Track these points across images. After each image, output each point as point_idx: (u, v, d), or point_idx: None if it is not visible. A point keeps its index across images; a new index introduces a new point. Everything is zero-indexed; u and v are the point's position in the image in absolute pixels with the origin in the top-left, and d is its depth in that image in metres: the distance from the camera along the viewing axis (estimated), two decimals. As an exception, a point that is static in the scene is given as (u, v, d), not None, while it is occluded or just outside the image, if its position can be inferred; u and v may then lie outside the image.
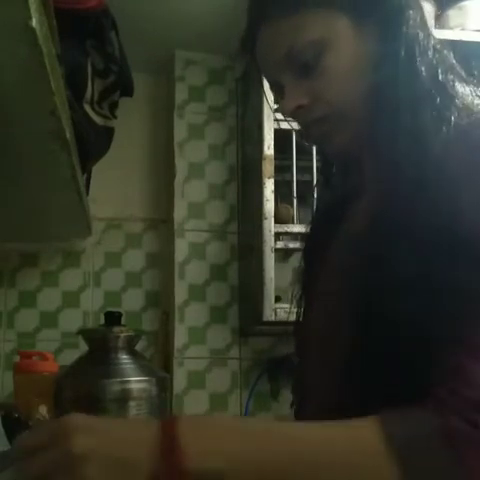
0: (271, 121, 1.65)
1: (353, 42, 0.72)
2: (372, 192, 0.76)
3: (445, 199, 0.62)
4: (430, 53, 0.72)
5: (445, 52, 0.74)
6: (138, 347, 1.33)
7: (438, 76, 0.71)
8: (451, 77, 0.72)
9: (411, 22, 0.72)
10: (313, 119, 0.75)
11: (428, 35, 0.73)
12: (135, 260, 1.95)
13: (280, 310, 1.58)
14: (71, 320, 1.86)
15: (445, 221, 0.61)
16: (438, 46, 0.74)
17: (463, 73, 0.74)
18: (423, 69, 0.71)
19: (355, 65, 0.72)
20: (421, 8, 0.75)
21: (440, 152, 0.65)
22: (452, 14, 1.69)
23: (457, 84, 0.72)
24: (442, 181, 0.63)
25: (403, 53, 0.71)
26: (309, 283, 0.84)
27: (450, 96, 0.70)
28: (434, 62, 0.72)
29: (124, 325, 1.32)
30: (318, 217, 0.93)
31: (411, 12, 0.73)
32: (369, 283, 0.65)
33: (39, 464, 0.53)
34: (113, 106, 1.52)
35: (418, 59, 0.71)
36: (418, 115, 0.68)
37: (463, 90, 0.72)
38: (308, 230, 0.94)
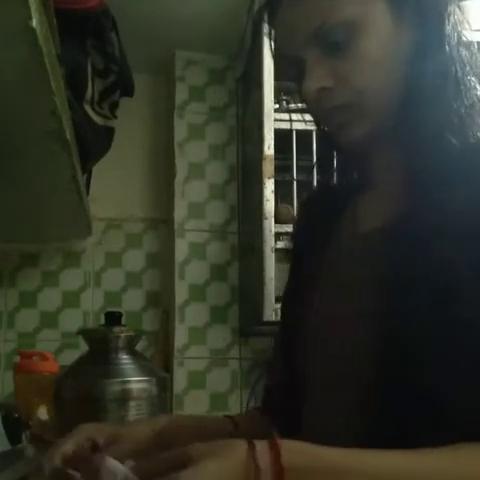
0: (271, 121, 1.64)
1: (389, 29, 0.69)
2: (383, 190, 0.75)
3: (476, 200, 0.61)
4: (464, 51, 0.70)
5: (474, 50, 0.72)
6: (138, 347, 1.33)
7: (468, 76, 0.70)
8: (475, 78, 0.71)
9: (452, 17, 0.70)
10: (335, 105, 0.71)
11: (463, 32, 0.71)
12: (135, 260, 1.95)
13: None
14: (71, 320, 1.86)
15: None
16: (469, 44, 0.72)
17: None
18: (460, 68, 0.69)
19: (388, 54, 0.69)
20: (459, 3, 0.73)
21: (476, 152, 0.65)
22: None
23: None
24: (474, 182, 0.63)
25: (444, 50, 0.68)
26: (306, 282, 0.81)
27: (478, 97, 0.69)
28: (466, 60, 0.70)
29: (124, 325, 1.32)
30: (308, 213, 0.90)
31: (453, 6, 0.71)
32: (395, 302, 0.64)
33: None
34: (113, 106, 1.51)
35: (456, 56, 0.69)
36: (452, 114, 0.67)
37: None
38: (297, 225, 0.91)
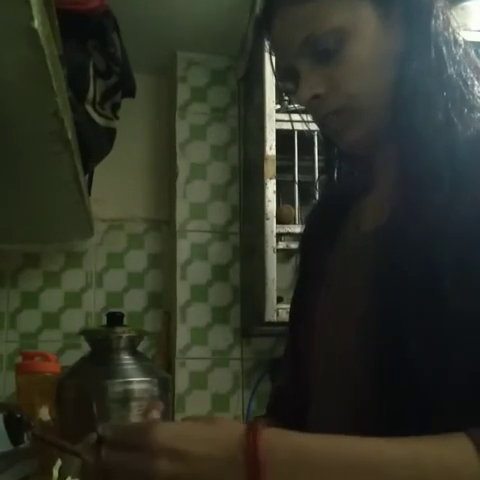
0: (273, 121, 1.64)
1: (377, 33, 0.70)
2: (383, 189, 0.75)
3: (472, 195, 0.62)
4: (456, 49, 0.70)
5: (469, 49, 0.73)
6: (140, 348, 1.33)
7: (463, 73, 0.70)
8: (474, 75, 0.71)
9: (439, 16, 0.71)
10: (329, 111, 0.73)
11: (454, 30, 0.72)
12: (137, 261, 1.95)
13: (282, 311, 1.58)
14: (73, 321, 1.86)
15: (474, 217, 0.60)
16: (462, 43, 0.72)
17: None
18: (450, 66, 0.69)
19: (378, 57, 0.70)
20: (447, 2, 0.73)
21: (467, 150, 0.65)
22: (454, 14, 1.68)
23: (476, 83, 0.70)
24: (469, 178, 0.63)
25: (432, 48, 0.69)
26: (313, 282, 0.82)
27: (473, 94, 0.69)
28: (459, 58, 0.70)
29: (126, 326, 1.32)
30: (317, 215, 0.90)
31: (439, 5, 0.71)
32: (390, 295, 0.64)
33: (118, 461, 0.56)
34: (115, 107, 1.52)
35: (445, 54, 0.69)
36: (446, 112, 0.67)
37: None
38: (305, 228, 0.92)
